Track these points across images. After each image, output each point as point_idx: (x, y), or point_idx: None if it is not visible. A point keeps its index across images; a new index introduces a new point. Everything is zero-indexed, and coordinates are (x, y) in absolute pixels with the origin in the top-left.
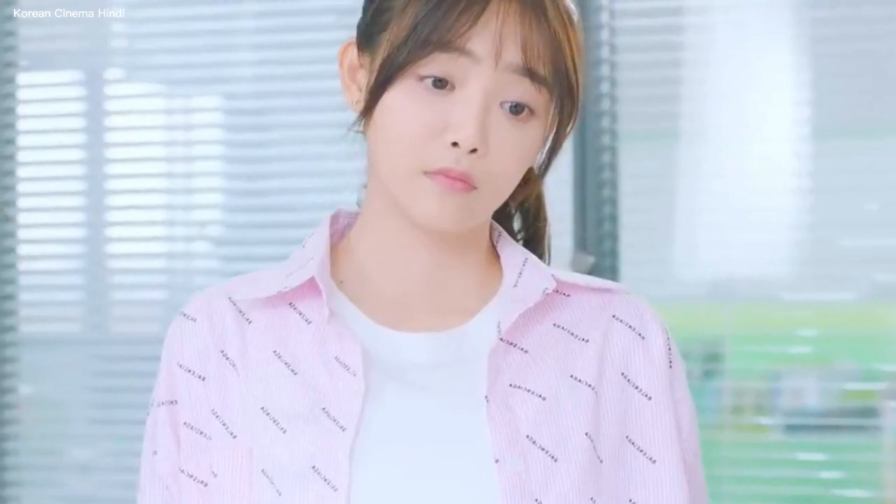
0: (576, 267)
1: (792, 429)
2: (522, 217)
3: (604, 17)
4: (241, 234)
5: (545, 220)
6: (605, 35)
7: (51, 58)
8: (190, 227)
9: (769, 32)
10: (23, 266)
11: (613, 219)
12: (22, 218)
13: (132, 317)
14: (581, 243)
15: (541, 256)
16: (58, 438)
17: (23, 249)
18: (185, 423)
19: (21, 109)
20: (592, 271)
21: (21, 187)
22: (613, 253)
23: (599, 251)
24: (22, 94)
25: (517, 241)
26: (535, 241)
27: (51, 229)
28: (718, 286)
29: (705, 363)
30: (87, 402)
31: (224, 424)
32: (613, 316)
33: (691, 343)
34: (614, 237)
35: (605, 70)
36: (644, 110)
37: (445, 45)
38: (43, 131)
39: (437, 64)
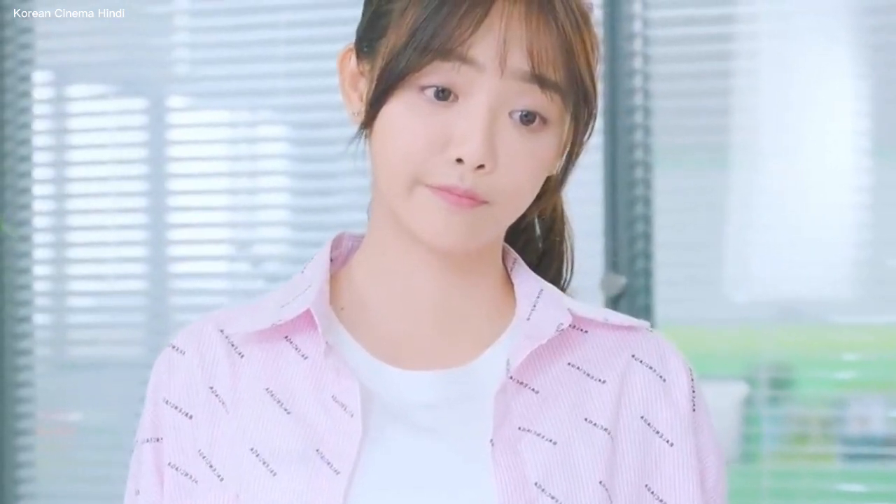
0: (607, 288)
1: (851, 457)
2: (539, 230)
3: (636, 27)
4: (307, 253)
5: (561, 234)
6: (637, 45)
7: (81, 70)
8: (254, 244)
9: (823, 41)
10: (77, 286)
11: (647, 237)
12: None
13: None
14: (612, 263)
15: (556, 274)
16: (109, 466)
17: (75, 270)
18: (169, 464)
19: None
20: (625, 292)
21: (71, 204)
22: (647, 272)
23: (632, 271)
24: (39, 108)
25: (536, 251)
26: (549, 256)
27: (106, 249)
28: (766, 307)
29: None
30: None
31: (211, 466)
32: (633, 355)
33: (747, 367)
34: (648, 256)
35: (637, 81)
36: (679, 123)
37: (446, 54)
38: (92, 146)
39: (438, 73)
